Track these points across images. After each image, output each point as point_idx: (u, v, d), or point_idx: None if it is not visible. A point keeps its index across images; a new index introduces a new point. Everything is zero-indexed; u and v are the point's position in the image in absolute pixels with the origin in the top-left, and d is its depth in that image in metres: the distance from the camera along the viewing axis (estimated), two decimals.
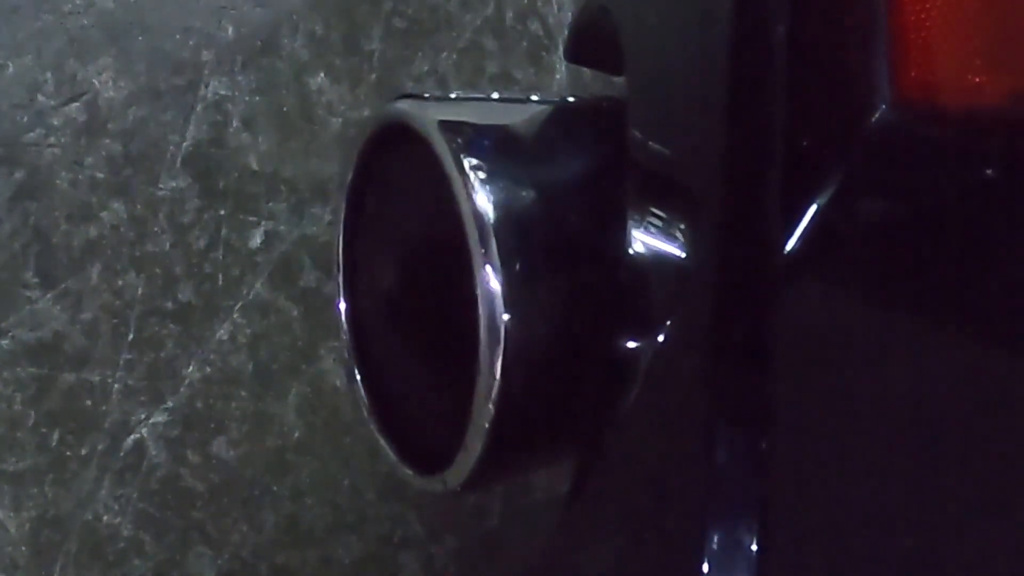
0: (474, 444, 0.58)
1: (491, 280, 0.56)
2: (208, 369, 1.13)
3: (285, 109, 1.17)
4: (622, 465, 0.60)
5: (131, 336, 1.10)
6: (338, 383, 1.18)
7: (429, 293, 0.65)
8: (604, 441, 0.61)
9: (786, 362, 0.51)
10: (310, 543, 1.18)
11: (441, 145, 0.59)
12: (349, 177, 0.68)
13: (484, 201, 0.57)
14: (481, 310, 0.56)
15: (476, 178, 0.58)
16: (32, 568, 1.06)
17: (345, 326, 0.69)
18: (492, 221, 0.57)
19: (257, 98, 1.16)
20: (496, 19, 1.29)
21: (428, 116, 0.61)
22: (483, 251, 0.56)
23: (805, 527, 0.51)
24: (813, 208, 0.49)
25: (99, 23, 1.09)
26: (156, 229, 1.11)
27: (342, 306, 0.69)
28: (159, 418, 1.11)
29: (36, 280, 1.06)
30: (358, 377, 0.69)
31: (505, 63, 1.29)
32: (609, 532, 0.60)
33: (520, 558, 1.23)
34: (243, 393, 1.15)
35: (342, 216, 0.69)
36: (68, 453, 1.07)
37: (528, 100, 0.76)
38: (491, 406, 0.57)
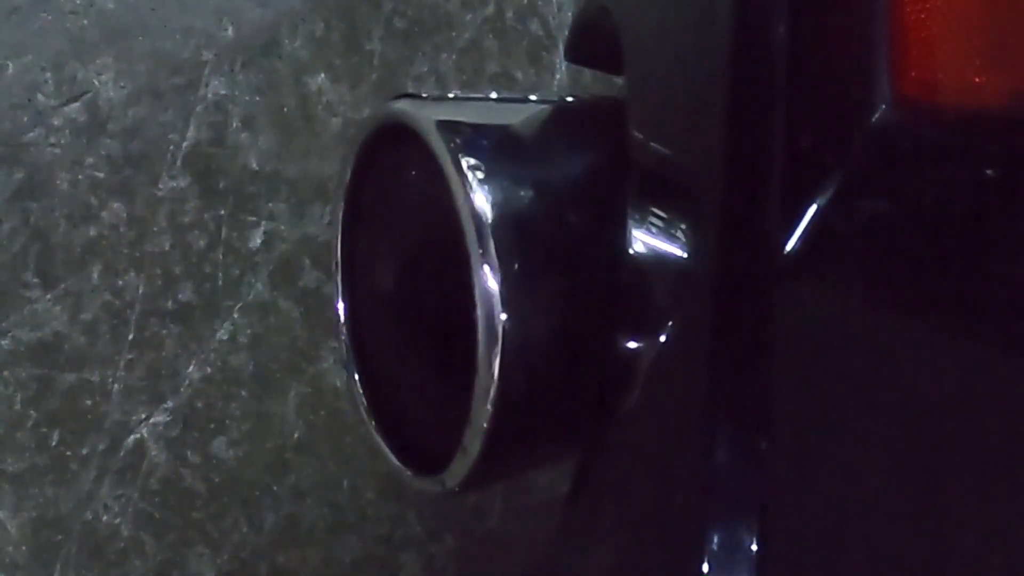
0: (472, 445, 0.58)
1: (489, 280, 0.56)
2: (208, 369, 1.13)
3: (285, 109, 1.17)
4: (622, 465, 0.60)
5: (131, 336, 1.10)
6: (338, 383, 1.18)
7: (428, 293, 0.65)
8: (604, 441, 0.61)
9: (786, 362, 0.51)
10: (310, 543, 1.18)
11: (439, 145, 0.59)
12: (347, 177, 0.68)
13: (482, 201, 0.57)
14: (479, 310, 0.56)
15: (474, 178, 0.58)
16: (32, 568, 1.06)
17: (344, 326, 0.69)
18: (490, 221, 0.57)
19: (257, 98, 1.16)
20: (496, 19, 1.29)
21: (426, 116, 0.61)
22: (481, 251, 0.56)
23: (805, 527, 0.51)
24: (813, 208, 0.49)
25: (99, 23, 1.09)
26: (156, 229, 1.11)
27: (341, 306, 0.69)
28: (159, 418, 1.11)
29: (36, 280, 1.06)
30: (357, 377, 0.69)
31: (505, 63, 1.29)
32: (609, 532, 0.60)
33: (520, 558, 1.23)
34: (243, 393, 1.15)
35: (340, 216, 0.69)
36: (68, 453, 1.07)
37: (527, 100, 0.76)
38: (489, 407, 0.57)
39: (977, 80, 0.47)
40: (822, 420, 0.51)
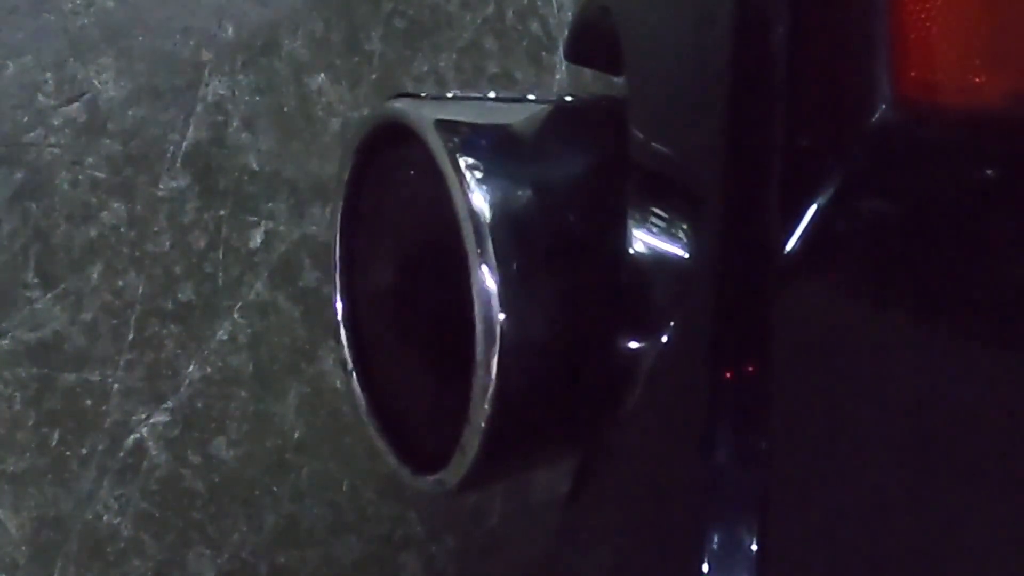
0: (471, 444, 0.58)
1: (487, 280, 0.56)
2: (208, 369, 1.13)
3: (285, 109, 1.17)
4: (622, 465, 0.60)
5: (131, 336, 1.10)
6: (338, 383, 1.18)
7: (426, 293, 0.65)
8: (604, 441, 0.61)
9: (786, 362, 0.51)
10: (310, 543, 1.18)
11: (437, 144, 0.59)
12: (346, 176, 0.68)
13: (480, 200, 0.57)
14: (477, 310, 0.56)
15: (472, 177, 0.58)
16: (32, 568, 1.06)
17: (342, 326, 0.69)
18: (488, 220, 0.57)
19: (257, 98, 1.16)
20: (496, 19, 1.29)
21: (424, 115, 0.61)
22: (479, 251, 0.56)
23: (805, 527, 0.51)
24: (813, 208, 0.49)
25: (99, 23, 1.09)
26: (156, 229, 1.11)
27: (339, 306, 0.69)
28: (159, 418, 1.11)
29: (36, 280, 1.06)
30: (355, 377, 0.69)
31: (505, 63, 1.29)
32: (609, 532, 0.60)
33: (520, 558, 1.23)
34: (243, 393, 1.15)
35: (339, 215, 0.69)
36: (68, 453, 1.07)
37: (526, 100, 0.75)
38: (487, 406, 0.57)
39: (977, 80, 0.47)
40: (822, 420, 0.51)
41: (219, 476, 1.14)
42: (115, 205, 1.09)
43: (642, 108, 0.61)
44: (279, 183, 1.17)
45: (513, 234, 0.57)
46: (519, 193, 0.59)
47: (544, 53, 1.31)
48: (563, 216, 0.60)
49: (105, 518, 1.08)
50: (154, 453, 1.11)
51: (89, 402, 1.08)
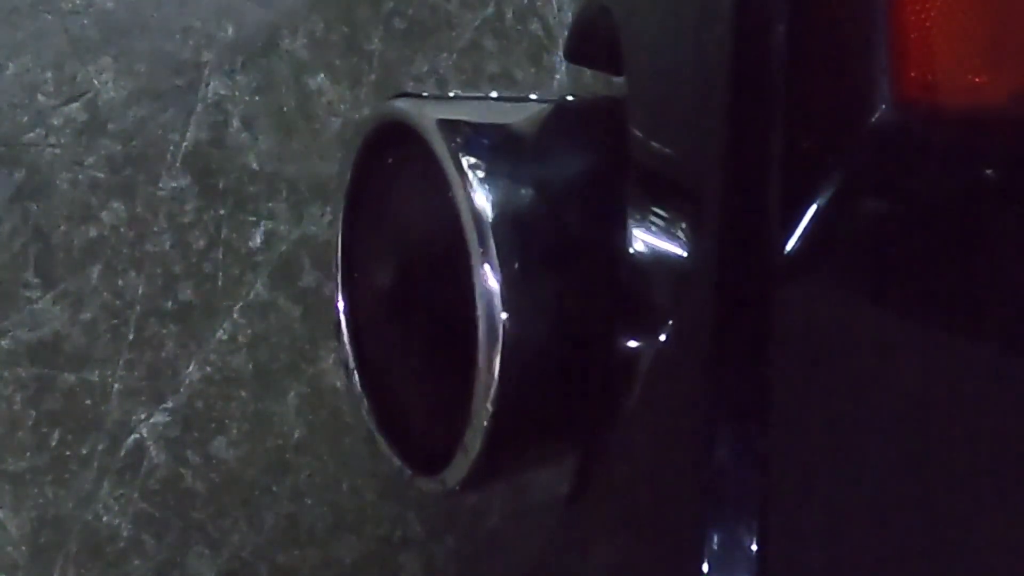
0: (472, 444, 0.58)
1: (489, 279, 0.56)
2: (208, 369, 1.13)
3: (285, 109, 1.17)
4: (622, 465, 0.60)
5: (131, 336, 1.10)
6: (338, 383, 1.18)
7: (428, 292, 0.65)
8: (604, 441, 0.61)
9: (786, 362, 0.51)
10: (310, 543, 1.18)
11: (439, 144, 0.59)
12: (347, 176, 0.68)
13: (482, 200, 0.57)
14: (479, 309, 0.56)
15: (474, 177, 0.58)
16: (32, 568, 1.06)
17: (343, 325, 0.69)
18: (490, 220, 0.57)
19: (257, 98, 1.16)
20: (496, 19, 1.29)
21: (426, 115, 0.61)
22: (481, 250, 0.56)
23: (805, 527, 0.51)
24: (813, 208, 0.49)
25: (99, 23, 1.09)
26: (156, 229, 1.11)
27: (340, 305, 0.69)
28: (159, 418, 1.11)
29: (36, 280, 1.06)
30: (356, 377, 0.69)
31: (505, 63, 1.29)
32: (609, 532, 0.60)
33: (520, 558, 1.23)
34: (243, 393, 1.15)
35: (340, 215, 0.69)
36: (68, 453, 1.07)
37: (527, 100, 0.75)
38: (489, 405, 0.57)
39: (977, 80, 0.47)
40: (822, 420, 0.51)
41: (219, 476, 1.14)
42: (115, 205, 1.09)
43: (642, 108, 0.61)
44: (279, 183, 1.17)
45: (515, 233, 0.57)
46: (521, 192, 0.59)
47: (544, 53, 1.31)
48: (564, 215, 0.60)
49: (105, 518, 1.09)
50: (154, 453, 1.11)
51: (89, 402, 1.08)
